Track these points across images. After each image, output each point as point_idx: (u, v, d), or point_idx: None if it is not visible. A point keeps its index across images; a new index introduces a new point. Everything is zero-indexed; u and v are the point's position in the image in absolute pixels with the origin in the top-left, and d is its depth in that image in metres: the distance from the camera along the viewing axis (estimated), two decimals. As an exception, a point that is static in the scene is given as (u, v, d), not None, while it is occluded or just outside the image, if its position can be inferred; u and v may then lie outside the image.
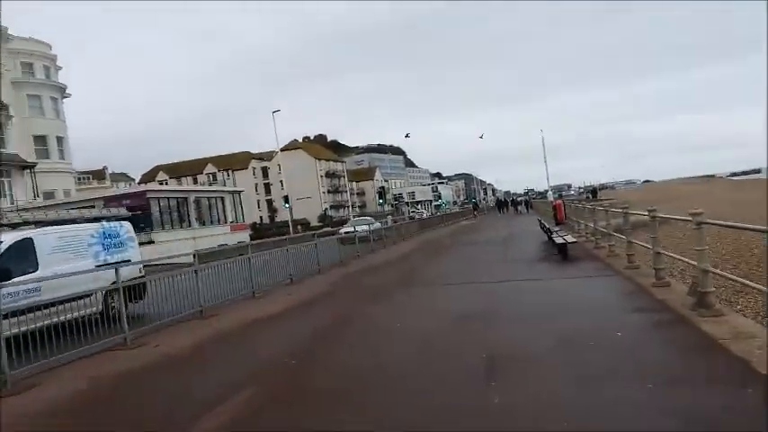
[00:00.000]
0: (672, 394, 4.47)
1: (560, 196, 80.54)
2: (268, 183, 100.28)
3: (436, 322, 8.26)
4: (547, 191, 79.74)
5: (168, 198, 41.71)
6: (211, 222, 46.04)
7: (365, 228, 25.31)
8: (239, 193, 50.94)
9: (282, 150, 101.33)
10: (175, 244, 36.51)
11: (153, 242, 38.43)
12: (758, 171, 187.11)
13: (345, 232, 24.65)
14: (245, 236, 48.39)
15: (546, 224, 19.80)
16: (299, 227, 53.91)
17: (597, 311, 7.99)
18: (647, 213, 9.58)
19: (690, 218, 7.17)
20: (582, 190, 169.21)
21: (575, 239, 14.55)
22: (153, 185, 57.91)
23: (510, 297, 9.61)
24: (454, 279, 12.50)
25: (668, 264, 12.95)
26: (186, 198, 43.14)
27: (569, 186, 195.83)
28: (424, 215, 72.98)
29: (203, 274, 11.20)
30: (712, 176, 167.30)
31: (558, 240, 14.40)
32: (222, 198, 47.61)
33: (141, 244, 38.51)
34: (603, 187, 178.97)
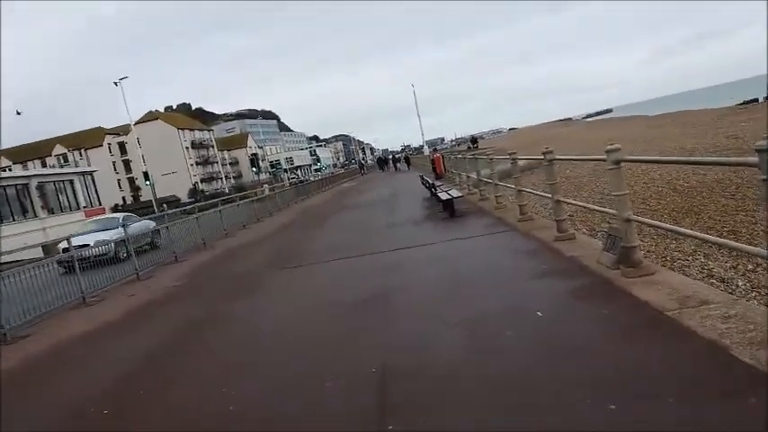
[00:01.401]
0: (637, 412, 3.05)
1: (435, 150, 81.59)
2: (127, 159, 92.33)
3: (316, 318, 6.53)
4: (422, 146, 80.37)
5: (4, 186, 36.17)
6: (61, 209, 40.90)
7: (105, 238, 13.55)
8: (92, 173, 45.64)
9: (139, 123, 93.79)
10: (21, 238, 31.80)
11: (-10, 239, 33.27)
12: (609, 111, 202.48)
13: (74, 246, 11.10)
14: (104, 221, 43.68)
15: (428, 179, 18.61)
16: (164, 205, 49.52)
17: (504, 282, 6.62)
18: (542, 157, 8.33)
19: (603, 157, 5.88)
20: (454, 142, 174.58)
21: (459, 194, 13.35)
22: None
23: (401, 273, 8.04)
24: (337, 253, 10.78)
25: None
26: (27, 184, 37.73)
27: (443, 140, 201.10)
28: (302, 180, 70.67)
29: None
30: (570, 119, 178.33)
31: (443, 196, 13.13)
32: (71, 181, 42.37)
33: (-25, 242, 33.32)
34: (475, 139, 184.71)
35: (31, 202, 37.46)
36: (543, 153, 8.29)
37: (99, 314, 9.10)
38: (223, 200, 20.57)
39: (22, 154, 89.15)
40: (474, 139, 55.59)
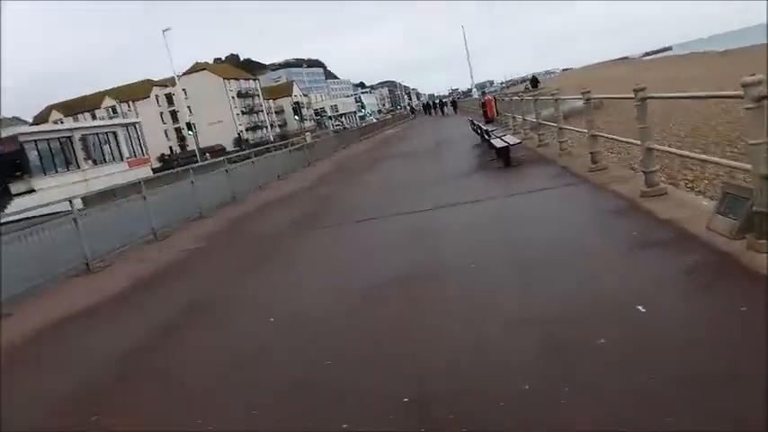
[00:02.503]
0: None
1: (484, 93, 78.07)
2: (174, 110, 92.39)
3: (338, 306, 5.09)
4: (471, 89, 77.07)
5: (48, 140, 36.05)
6: (105, 160, 40.80)
7: None
8: (135, 124, 45.30)
9: (186, 74, 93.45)
10: (63, 189, 31.73)
11: (33, 191, 33.42)
12: (669, 48, 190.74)
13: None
14: (146, 171, 43.57)
15: (478, 124, 16.76)
16: (207, 155, 49.02)
17: (581, 257, 4.97)
18: (633, 96, 6.47)
19: (738, 92, 4.08)
20: (504, 84, 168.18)
21: (517, 139, 11.53)
22: (32, 128, 50.49)
23: (444, 243, 6.50)
24: (374, 211, 9.28)
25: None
26: (70, 137, 37.56)
27: (491, 83, 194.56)
28: (346, 128, 69.06)
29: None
30: (626, 58, 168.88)
31: (498, 143, 11.36)
32: (115, 133, 42.11)
33: (18, 195, 33.66)
34: (524, 80, 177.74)
35: (75, 153, 37.34)
36: (635, 90, 6.42)
37: (98, 284, 7.97)
38: (257, 151, 19.21)
39: (73, 107, 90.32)
40: (535, 80, 51.56)
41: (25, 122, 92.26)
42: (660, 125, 19.35)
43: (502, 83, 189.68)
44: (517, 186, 8.94)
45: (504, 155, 11.07)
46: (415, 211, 8.47)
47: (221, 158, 15.88)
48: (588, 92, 8.94)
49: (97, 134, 40.52)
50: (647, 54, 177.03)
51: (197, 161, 42.10)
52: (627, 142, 8.03)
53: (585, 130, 9.01)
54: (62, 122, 75.59)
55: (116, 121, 46.29)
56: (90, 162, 39.69)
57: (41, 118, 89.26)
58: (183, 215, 12.03)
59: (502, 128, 19.82)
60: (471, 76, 74.92)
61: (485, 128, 14.25)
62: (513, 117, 18.45)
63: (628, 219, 5.81)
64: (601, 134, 8.89)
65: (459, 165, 13.42)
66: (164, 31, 43.21)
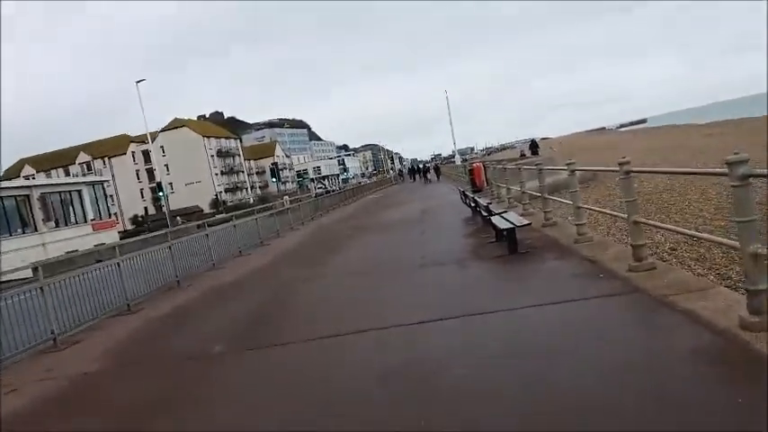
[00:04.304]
0: None
1: (466, 159, 77.17)
2: (151, 168, 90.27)
3: None
4: (454, 155, 76.11)
5: (2, 198, 33.27)
6: (66, 222, 37.99)
7: None
8: (102, 183, 42.74)
9: (165, 130, 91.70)
10: (17, 254, 28.84)
11: (-19, 254, 30.35)
12: (644, 121, 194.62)
13: None
14: (112, 235, 40.74)
15: (472, 196, 14.65)
16: (177, 218, 46.41)
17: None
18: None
19: None
20: (485, 152, 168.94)
21: (524, 220, 9.31)
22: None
23: (444, 399, 4.13)
24: (339, 319, 6.89)
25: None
26: (28, 195, 34.83)
27: (472, 149, 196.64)
28: (328, 190, 67.27)
29: None
30: (603, 129, 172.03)
31: (501, 223, 9.15)
32: (79, 191, 39.41)
33: (-36, 259, 30.47)
34: (504, 147, 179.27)
35: (32, 214, 34.54)
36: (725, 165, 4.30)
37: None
38: (211, 222, 16.76)
39: (46, 162, 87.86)
40: (535, 145, 45.56)
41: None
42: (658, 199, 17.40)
43: (482, 149, 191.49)
44: (533, 289, 6.64)
45: (509, 239, 8.84)
46: (393, 326, 6.08)
47: (163, 231, 13.36)
48: (627, 162, 6.80)
49: (59, 192, 37.83)
50: (623, 125, 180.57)
51: (167, 225, 39.56)
52: (690, 235, 5.88)
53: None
54: (34, 178, 72.79)
55: (80, 179, 43.76)
56: (50, 224, 36.90)
57: (12, 172, 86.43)
58: (97, 312, 9.40)
59: (494, 199, 17.82)
60: (454, 142, 74.20)
61: (481, 201, 12.09)
62: (508, 188, 16.42)
63: (743, 377, 3.52)
64: (649, 222, 6.73)
65: (450, 244, 11.18)
66: (137, 82, 41.32)
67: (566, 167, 9.09)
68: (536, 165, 11.83)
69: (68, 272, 9.17)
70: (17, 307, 7.81)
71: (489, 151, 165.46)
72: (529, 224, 9.15)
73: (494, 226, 9.75)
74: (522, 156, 38.94)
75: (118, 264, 9.84)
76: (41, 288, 8.00)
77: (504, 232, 8.94)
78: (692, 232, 6.97)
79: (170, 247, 11.76)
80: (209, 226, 15.45)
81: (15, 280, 9.17)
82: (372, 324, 6.29)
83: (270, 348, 6.25)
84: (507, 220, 9.35)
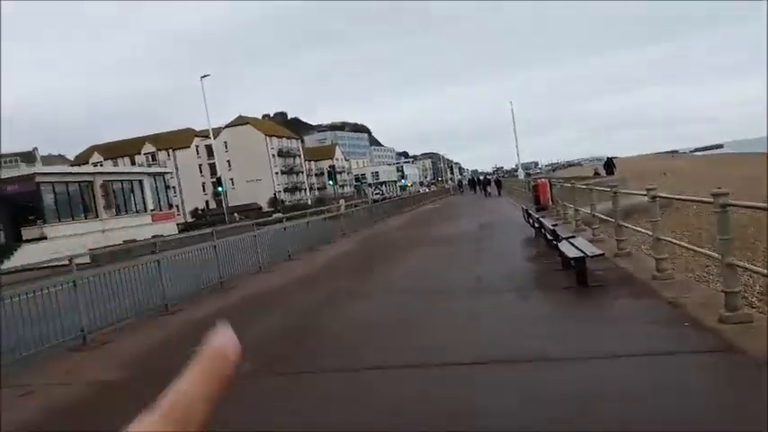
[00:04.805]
0: None
1: (529, 174, 75.03)
2: (214, 162, 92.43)
3: None
4: (517, 168, 74.10)
5: (67, 183, 34.39)
6: (126, 211, 38.92)
7: None
8: (163, 174, 43.73)
9: (229, 126, 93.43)
10: (78, 239, 29.60)
11: (45, 238, 31.40)
12: (720, 146, 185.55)
13: None
14: (171, 227, 41.50)
15: (536, 216, 13.66)
16: (235, 214, 46.93)
17: None
18: None
19: None
20: (550, 167, 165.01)
21: (597, 249, 8.33)
22: (55, 168, 49.32)
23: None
24: (381, 350, 6.17)
25: None
26: (91, 182, 35.87)
27: (536, 164, 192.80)
28: (385, 197, 66.71)
29: None
30: (675, 152, 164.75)
31: (569, 251, 8.21)
32: (140, 181, 40.40)
33: (28, 241, 31.65)
34: (570, 164, 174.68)
35: (95, 201, 35.52)
36: None
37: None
38: (260, 223, 16.33)
39: (114, 150, 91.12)
40: (610, 163, 39.99)
41: (69, 161, 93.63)
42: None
43: (547, 165, 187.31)
44: (607, 335, 5.73)
45: (579, 270, 7.89)
46: (441, 363, 5.30)
47: (208, 230, 12.93)
48: (725, 193, 5.80)
49: (121, 181, 38.85)
50: (698, 150, 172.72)
51: (225, 221, 39.95)
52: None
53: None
54: (101, 165, 75.62)
55: (142, 169, 44.86)
56: (111, 211, 37.88)
57: (83, 158, 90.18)
58: (133, 311, 8.99)
59: (560, 220, 16.72)
60: (518, 155, 72.03)
61: (546, 222, 11.11)
62: (576, 209, 15.31)
63: None
64: (748, 267, 5.71)
65: (510, 267, 10.28)
66: (201, 77, 41.80)
67: (645, 192, 8.06)
68: (611, 186, 10.76)
69: (114, 264, 8.85)
70: (53, 298, 7.46)
71: (554, 167, 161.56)
72: (602, 254, 8.15)
73: (560, 252, 8.81)
74: (596, 174, 36.76)
75: (158, 261, 9.43)
76: (74, 282, 7.61)
77: (573, 261, 8.00)
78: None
79: (215, 247, 11.32)
80: (258, 227, 15.06)
81: (78, 264, 8.75)
82: (416, 359, 5.53)
83: (300, 375, 5.59)
84: (577, 248, 8.38)
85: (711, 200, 5.34)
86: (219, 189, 45.38)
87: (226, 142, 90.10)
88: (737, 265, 5.43)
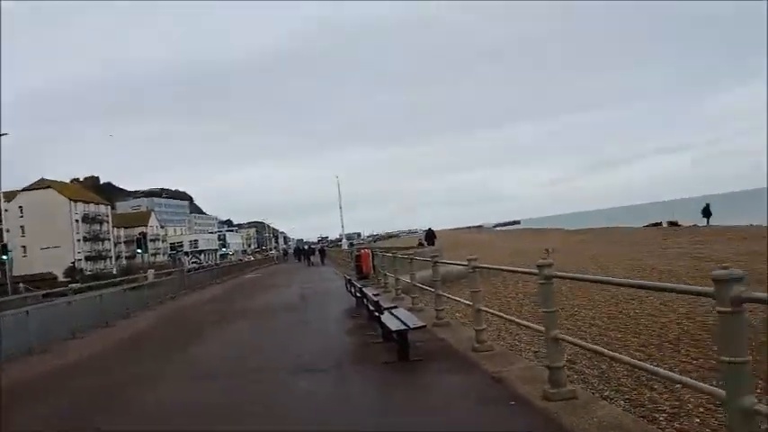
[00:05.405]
0: None
1: (352, 244, 76.52)
2: (2, 228, 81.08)
3: None
4: (341, 238, 75.17)
5: None
6: None
7: None
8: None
9: (26, 190, 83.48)
10: None
11: None
12: (518, 222, 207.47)
13: None
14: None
15: (359, 286, 13.17)
16: (20, 285, 40.70)
17: None
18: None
19: None
20: (371, 238, 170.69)
21: (419, 322, 7.89)
22: None
23: None
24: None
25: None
26: None
27: (359, 234, 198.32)
28: (203, 266, 63.10)
29: None
30: (481, 226, 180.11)
31: (391, 323, 7.67)
32: None
33: None
34: (390, 236, 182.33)
35: None
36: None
37: None
38: (48, 293, 13.84)
39: None
40: (431, 234, 40.60)
41: None
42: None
43: (369, 236, 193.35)
44: (431, 419, 5.12)
45: (401, 343, 7.35)
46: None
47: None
48: (549, 264, 5.64)
49: None
50: (498, 225, 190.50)
51: (7, 293, 34.15)
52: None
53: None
54: None
55: None
56: None
57: None
58: None
59: (380, 288, 16.50)
60: (342, 226, 73.33)
61: (369, 294, 10.62)
62: (396, 278, 15.18)
63: None
64: (579, 343, 5.52)
65: (330, 341, 9.55)
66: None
67: (466, 263, 7.86)
68: (432, 256, 10.63)
69: None
70: None
71: (376, 238, 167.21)
72: (424, 326, 7.73)
73: (382, 324, 8.26)
74: (421, 244, 37.99)
75: None
76: None
77: (395, 334, 7.46)
78: (627, 358, 5.82)
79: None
80: (44, 299, 12.64)
81: None
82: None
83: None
84: (398, 319, 7.90)
85: (536, 271, 5.10)
86: (4, 257, 39.19)
87: (21, 206, 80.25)
88: (564, 340, 5.20)
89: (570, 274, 6.37)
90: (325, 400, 6.14)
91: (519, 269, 8.12)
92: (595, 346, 6.04)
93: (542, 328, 5.36)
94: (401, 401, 5.87)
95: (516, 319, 7.01)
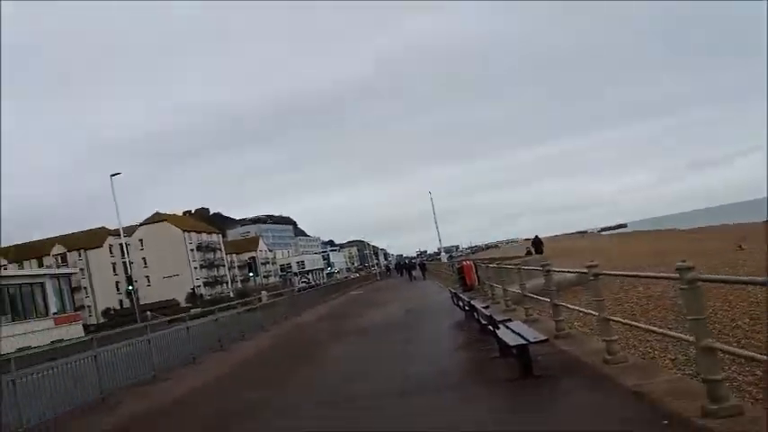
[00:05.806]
0: None
1: (452, 257, 75.68)
2: (128, 261, 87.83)
3: None
4: (440, 252, 74.65)
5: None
6: (25, 316, 35.29)
7: None
8: (69, 276, 40.31)
9: (144, 224, 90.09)
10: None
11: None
12: (624, 225, 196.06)
13: None
14: (76, 329, 37.95)
15: (467, 299, 12.74)
16: (147, 312, 43.62)
17: None
18: None
19: None
20: (470, 250, 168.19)
21: (541, 335, 7.35)
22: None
23: None
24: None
25: None
26: (-16, 287, 32.40)
27: (457, 247, 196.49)
28: (312, 285, 64.94)
29: None
30: (585, 232, 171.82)
31: (510, 339, 7.18)
32: (42, 284, 36.93)
33: None
34: (489, 246, 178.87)
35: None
36: None
37: None
38: (173, 319, 14.46)
39: (20, 253, 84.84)
40: (539, 242, 38.88)
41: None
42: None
43: (467, 247, 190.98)
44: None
45: (521, 358, 6.85)
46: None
47: (87, 337, 11.05)
48: (690, 267, 4.98)
49: (19, 285, 35.34)
50: (604, 229, 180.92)
51: (136, 321, 36.76)
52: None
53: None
54: (5, 269, 69.69)
55: (44, 270, 41.30)
56: (7, 316, 34.24)
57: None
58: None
59: (488, 299, 15.92)
60: (439, 240, 72.80)
61: (479, 306, 10.16)
62: (504, 289, 14.56)
63: None
64: (737, 351, 4.83)
65: (442, 359, 9.16)
66: (111, 175, 39.36)
67: (587, 270, 7.22)
68: (543, 264, 9.99)
69: None
70: None
71: (475, 249, 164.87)
72: (546, 340, 7.18)
73: (498, 339, 7.78)
74: (529, 253, 36.73)
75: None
76: None
77: (514, 349, 6.96)
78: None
79: (95, 358, 9.49)
80: (166, 326, 13.27)
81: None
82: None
83: None
84: (516, 332, 7.40)
85: (677, 275, 4.49)
86: (130, 288, 42.20)
87: (141, 240, 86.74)
88: (721, 350, 4.53)
89: (719, 276, 5.59)
90: (453, 422, 5.76)
91: (657, 274, 7.32)
92: (753, 353, 5.27)
93: (690, 338, 4.73)
94: (535, 424, 5.38)
95: (657, 329, 6.30)
